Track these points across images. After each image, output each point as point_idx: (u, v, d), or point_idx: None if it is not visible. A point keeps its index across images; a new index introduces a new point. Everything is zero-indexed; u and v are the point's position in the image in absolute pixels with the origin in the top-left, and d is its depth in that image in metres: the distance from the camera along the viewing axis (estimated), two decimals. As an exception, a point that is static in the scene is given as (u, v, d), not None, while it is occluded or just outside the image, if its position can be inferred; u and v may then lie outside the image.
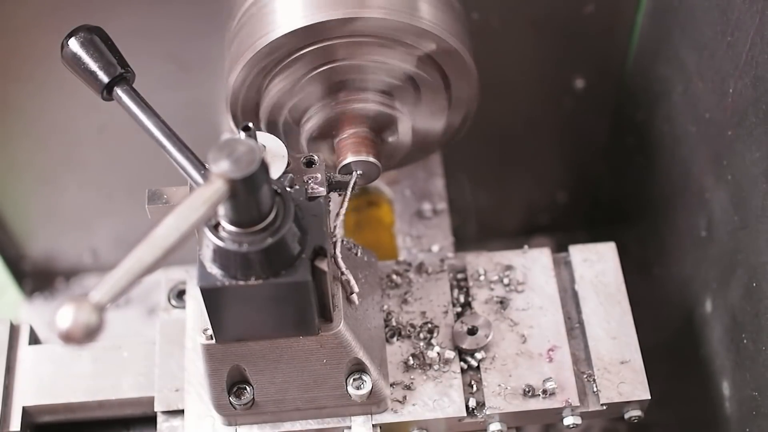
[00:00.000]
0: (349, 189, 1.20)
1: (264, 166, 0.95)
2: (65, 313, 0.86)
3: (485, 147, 1.83)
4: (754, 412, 1.27)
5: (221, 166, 0.93)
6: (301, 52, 1.22)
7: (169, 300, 1.33)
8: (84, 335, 0.85)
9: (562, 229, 2.10)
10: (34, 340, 1.35)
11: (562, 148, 1.90)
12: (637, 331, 1.29)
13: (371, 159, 1.27)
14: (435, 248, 1.46)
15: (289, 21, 1.20)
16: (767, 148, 1.18)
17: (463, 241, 1.97)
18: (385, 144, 1.32)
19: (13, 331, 1.34)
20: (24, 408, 1.29)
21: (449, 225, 1.50)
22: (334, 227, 1.19)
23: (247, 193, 0.95)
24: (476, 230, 2.08)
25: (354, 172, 1.25)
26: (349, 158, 1.26)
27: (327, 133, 1.30)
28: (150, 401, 1.28)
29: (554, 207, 2.05)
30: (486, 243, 2.10)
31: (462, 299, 1.32)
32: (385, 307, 1.30)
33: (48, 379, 1.31)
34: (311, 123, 1.29)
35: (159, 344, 1.30)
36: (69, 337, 0.85)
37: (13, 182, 1.83)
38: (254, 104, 1.29)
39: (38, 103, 1.64)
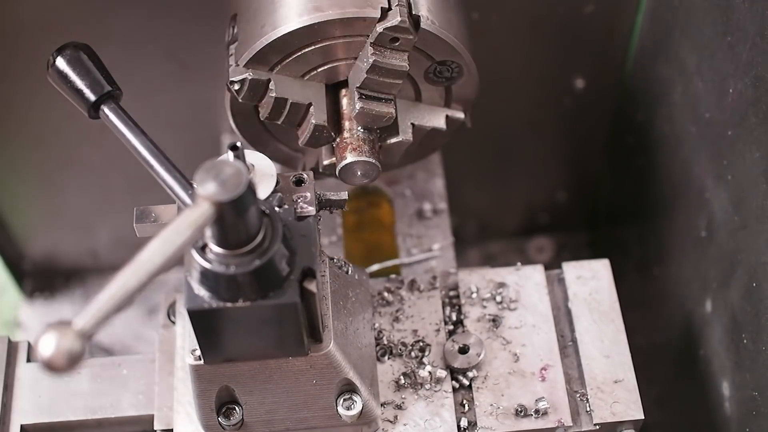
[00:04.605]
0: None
1: (251, 189, 0.94)
2: (48, 341, 0.84)
3: (485, 147, 1.83)
4: (754, 412, 1.27)
5: (207, 189, 0.91)
6: (302, 52, 1.22)
7: (168, 317, 1.31)
8: (66, 363, 0.84)
9: (562, 229, 2.10)
10: (32, 357, 1.33)
11: (562, 148, 1.90)
12: (638, 332, 1.29)
13: (371, 159, 1.27)
14: (435, 247, 1.46)
15: (290, 21, 1.20)
16: (767, 148, 1.18)
17: (463, 241, 1.98)
18: (384, 143, 1.32)
19: (11, 348, 1.32)
20: (22, 426, 1.28)
21: (449, 225, 1.50)
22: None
23: (234, 216, 0.94)
24: (476, 230, 2.09)
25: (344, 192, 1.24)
26: (350, 158, 1.26)
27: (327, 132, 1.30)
28: (150, 419, 1.26)
29: (554, 207, 2.05)
30: (486, 243, 2.10)
31: (454, 317, 1.31)
32: (377, 325, 1.29)
33: (46, 397, 1.29)
34: (311, 122, 1.29)
35: (158, 362, 1.29)
36: (51, 365, 0.84)
37: (13, 182, 1.83)
38: (254, 104, 1.29)
39: (38, 103, 1.64)
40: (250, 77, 1.22)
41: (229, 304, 1.02)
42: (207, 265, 1.00)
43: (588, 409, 1.24)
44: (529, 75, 1.71)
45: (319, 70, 1.25)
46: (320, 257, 1.17)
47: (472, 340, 1.27)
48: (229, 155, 1.03)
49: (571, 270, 1.34)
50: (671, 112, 1.50)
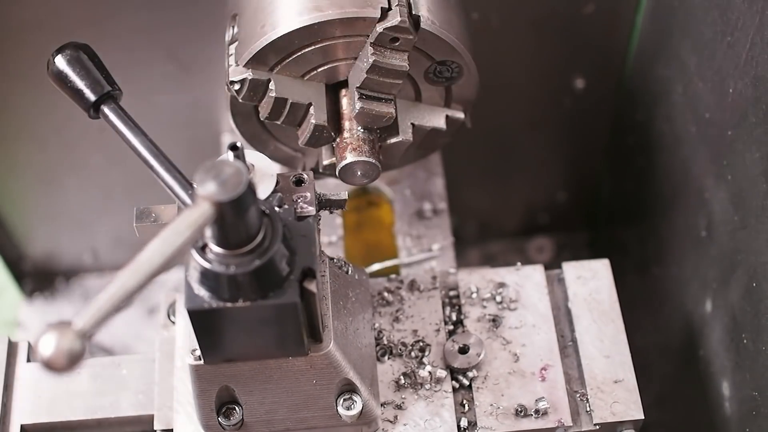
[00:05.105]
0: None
1: (251, 189, 0.95)
2: (48, 341, 0.84)
3: (485, 147, 1.83)
4: (754, 412, 1.27)
5: (207, 189, 0.91)
6: (302, 52, 1.22)
7: (168, 316, 1.31)
8: (66, 363, 0.84)
9: (562, 229, 2.10)
10: (32, 357, 1.33)
11: (562, 148, 1.90)
12: (638, 332, 1.29)
13: (371, 159, 1.27)
14: (435, 247, 1.46)
15: (289, 20, 1.20)
16: (767, 148, 1.18)
17: (463, 241, 1.98)
18: (384, 143, 1.32)
19: (11, 348, 1.32)
20: (22, 426, 1.28)
21: (449, 225, 1.50)
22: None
23: (234, 216, 0.94)
24: (476, 230, 2.09)
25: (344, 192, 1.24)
26: (350, 158, 1.26)
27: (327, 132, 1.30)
28: (150, 419, 1.26)
29: (554, 207, 2.05)
30: (486, 243, 2.11)
31: (454, 317, 1.31)
32: (377, 325, 1.29)
33: (46, 396, 1.29)
34: (311, 122, 1.29)
35: (159, 361, 1.29)
36: (51, 365, 0.84)
37: (13, 182, 1.83)
38: (254, 104, 1.29)
39: (38, 103, 1.64)
40: (250, 77, 1.22)
41: (229, 304, 1.03)
42: (207, 265, 1.00)
43: (588, 409, 1.24)
44: (529, 75, 1.71)
45: (319, 70, 1.25)
46: (320, 257, 1.17)
47: (472, 340, 1.27)
48: (229, 155, 1.03)
49: (571, 270, 1.34)
50: (671, 113, 1.50)
